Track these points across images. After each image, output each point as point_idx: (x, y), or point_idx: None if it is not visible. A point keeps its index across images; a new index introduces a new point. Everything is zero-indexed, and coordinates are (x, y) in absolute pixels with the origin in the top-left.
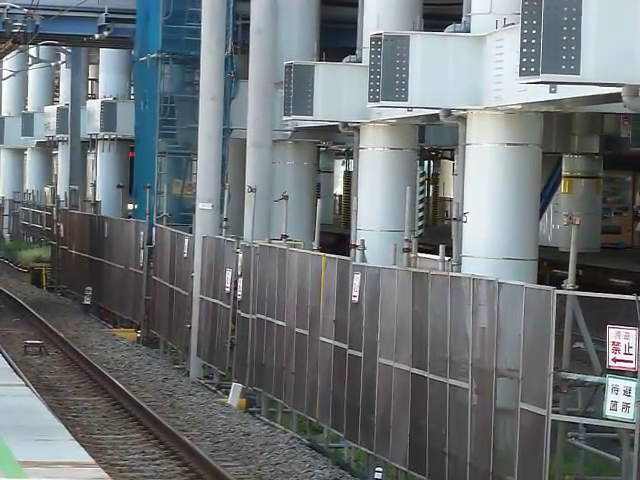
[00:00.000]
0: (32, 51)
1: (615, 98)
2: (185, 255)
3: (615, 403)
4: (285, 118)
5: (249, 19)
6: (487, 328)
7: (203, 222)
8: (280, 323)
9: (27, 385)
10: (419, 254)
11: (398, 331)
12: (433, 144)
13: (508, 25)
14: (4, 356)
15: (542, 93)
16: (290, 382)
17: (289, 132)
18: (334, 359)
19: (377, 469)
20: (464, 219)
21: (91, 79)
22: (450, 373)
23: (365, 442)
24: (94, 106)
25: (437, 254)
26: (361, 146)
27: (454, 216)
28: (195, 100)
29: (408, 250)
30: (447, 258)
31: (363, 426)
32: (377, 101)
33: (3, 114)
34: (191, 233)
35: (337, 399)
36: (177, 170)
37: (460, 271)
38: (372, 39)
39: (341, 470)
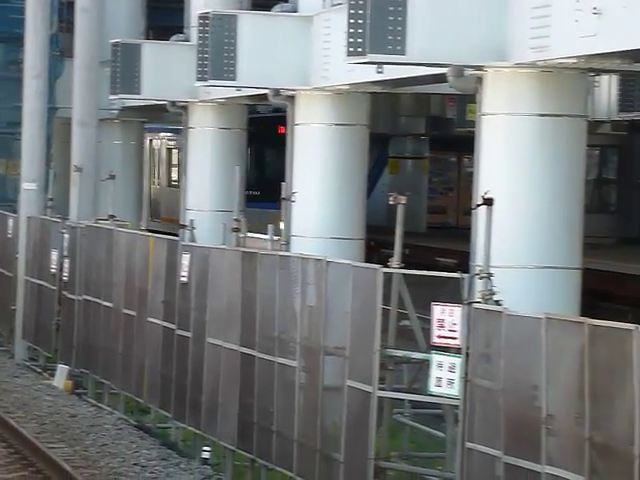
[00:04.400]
0: None
1: (441, 79)
2: (9, 236)
3: (440, 379)
4: (112, 97)
5: None
6: (315, 307)
7: (28, 202)
8: (107, 304)
9: None
10: (248, 234)
11: (227, 311)
12: None
13: (336, 5)
14: None
15: (369, 73)
16: (118, 363)
17: (116, 111)
18: (163, 340)
19: (205, 448)
20: (292, 199)
21: None
22: (278, 352)
23: (193, 422)
24: None
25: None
26: (190, 125)
27: (283, 196)
28: (20, 79)
29: (237, 230)
30: (276, 238)
31: (191, 406)
32: (205, 80)
33: None
34: (15, 213)
35: (165, 380)
36: (1, 150)
37: (289, 250)
38: (200, 18)
39: (168, 450)
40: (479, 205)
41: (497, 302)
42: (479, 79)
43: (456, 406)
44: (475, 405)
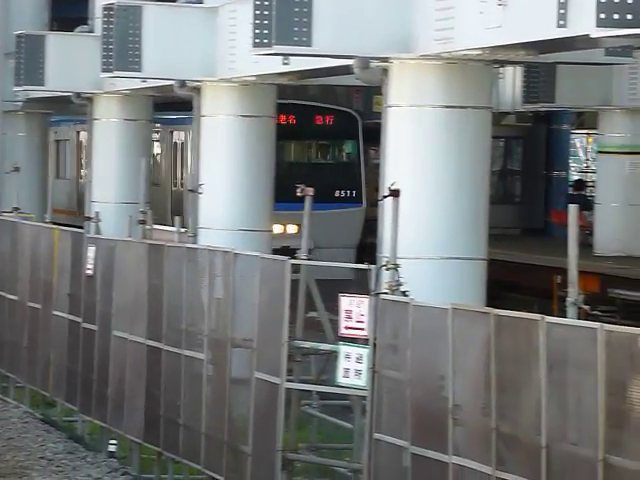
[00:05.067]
0: None
1: (347, 70)
2: None
3: (347, 370)
4: (16, 88)
5: None
6: (223, 299)
7: None
8: (12, 297)
9: None
10: (155, 226)
11: (133, 303)
12: None
13: None
14: None
15: (276, 65)
16: (23, 357)
17: (20, 103)
18: (68, 333)
19: (111, 442)
20: (200, 191)
21: None
22: (185, 344)
23: (99, 415)
24: None
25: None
26: (95, 117)
27: (189, 187)
28: None
29: (143, 222)
30: (183, 230)
31: (97, 399)
32: (110, 72)
33: None
34: None
35: (71, 373)
36: None
37: (197, 243)
38: (105, 9)
39: (75, 444)
40: (386, 197)
41: (404, 293)
42: (385, 71)
43: (363, 397)
44: (382, 396)
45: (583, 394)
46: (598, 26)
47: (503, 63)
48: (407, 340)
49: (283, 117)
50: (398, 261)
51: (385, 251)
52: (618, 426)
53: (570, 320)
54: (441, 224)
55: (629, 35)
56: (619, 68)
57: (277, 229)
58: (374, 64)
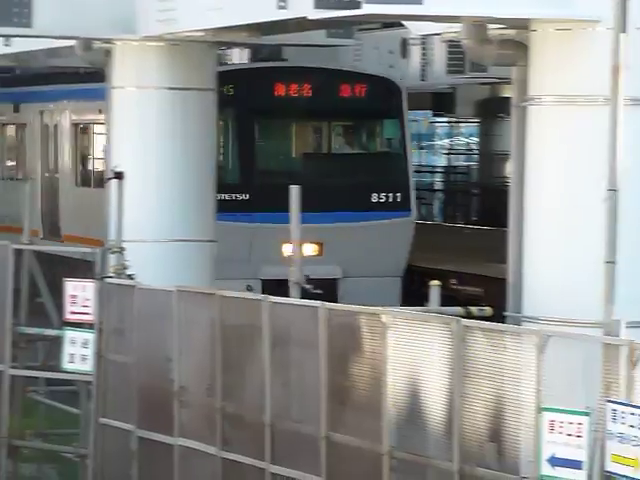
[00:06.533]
0: None
1: (71, 51)
2: None
3: (73, 355)
4: None
5: None
6: None
7: None
8: None
9: None
10: None
11: None
12: None
13: None
14: None
15: None
16: None
17: None
18: None
19: None
20: None
21: None
22: None
23: None
24: None
25: None
26: None
27: None
28: None
29: None
30: None
31: None
32: None
33: None
34: None
35: None
36: None
37: None
38: None
39: None
40: (110, 179)
41: (130, 276)
42: (108, 52)
43: (90, 382)
44: (109, 380)
45: (306, 372)
46: (316, 8)
47: (227, 44)
48: (133, 323)
49: (293, 86)
50: (125, 244)
51: (111, 234)
52: (340, 403)
53: (292, 300)
54: (167, 206)
55: (346, 17)
56: (344, 49)
57: (287, 249)
58: (97, 45)
